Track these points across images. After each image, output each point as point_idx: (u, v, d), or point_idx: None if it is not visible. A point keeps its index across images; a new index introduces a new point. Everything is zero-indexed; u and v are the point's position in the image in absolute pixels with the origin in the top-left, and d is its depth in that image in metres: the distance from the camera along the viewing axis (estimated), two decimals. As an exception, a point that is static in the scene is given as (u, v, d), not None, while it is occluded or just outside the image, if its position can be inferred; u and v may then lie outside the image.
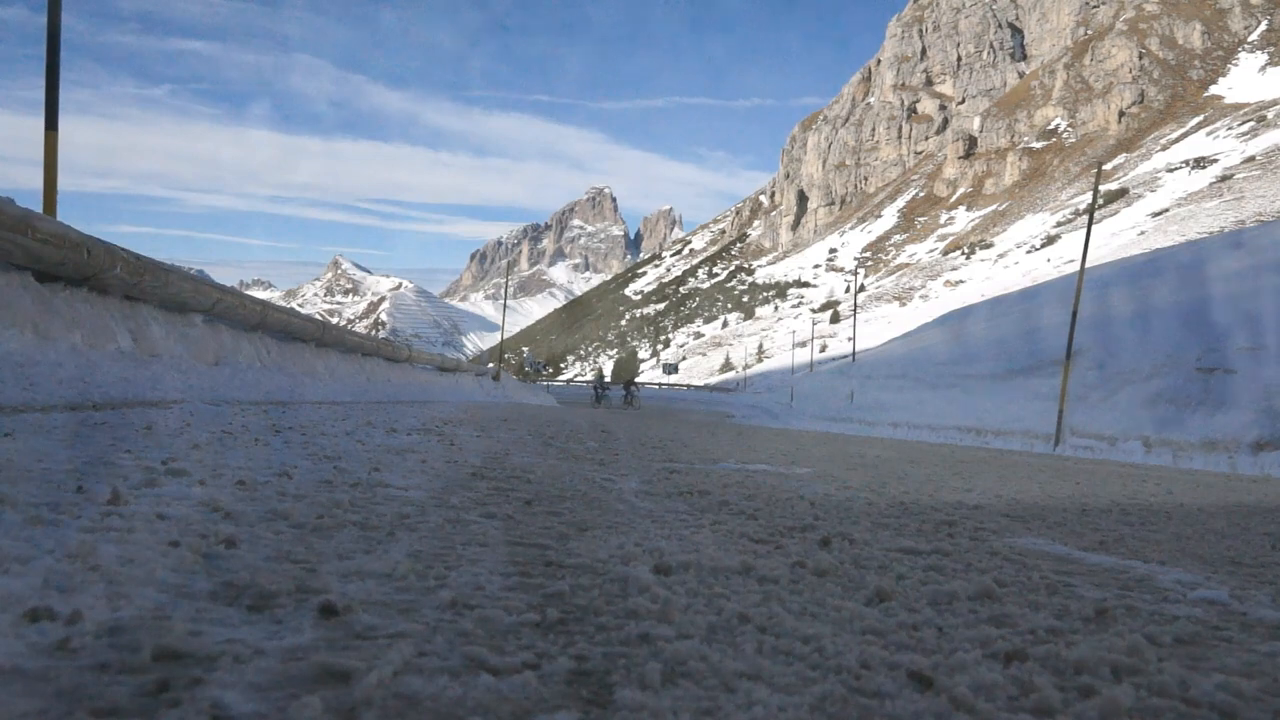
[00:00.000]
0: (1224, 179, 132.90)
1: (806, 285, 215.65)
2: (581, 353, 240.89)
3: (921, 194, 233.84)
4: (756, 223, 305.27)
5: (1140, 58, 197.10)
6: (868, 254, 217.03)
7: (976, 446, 12.36)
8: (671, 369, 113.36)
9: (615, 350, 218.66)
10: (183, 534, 1.58)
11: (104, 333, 5.50)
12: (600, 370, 45.39)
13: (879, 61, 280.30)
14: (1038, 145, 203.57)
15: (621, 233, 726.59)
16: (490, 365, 34.67)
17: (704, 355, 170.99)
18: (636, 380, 42.60)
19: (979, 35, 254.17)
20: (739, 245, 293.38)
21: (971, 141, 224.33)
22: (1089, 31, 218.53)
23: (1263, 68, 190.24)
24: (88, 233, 5.22)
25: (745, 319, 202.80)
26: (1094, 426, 11.59)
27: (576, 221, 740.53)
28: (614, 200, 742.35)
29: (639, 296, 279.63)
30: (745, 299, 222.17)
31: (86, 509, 1.69)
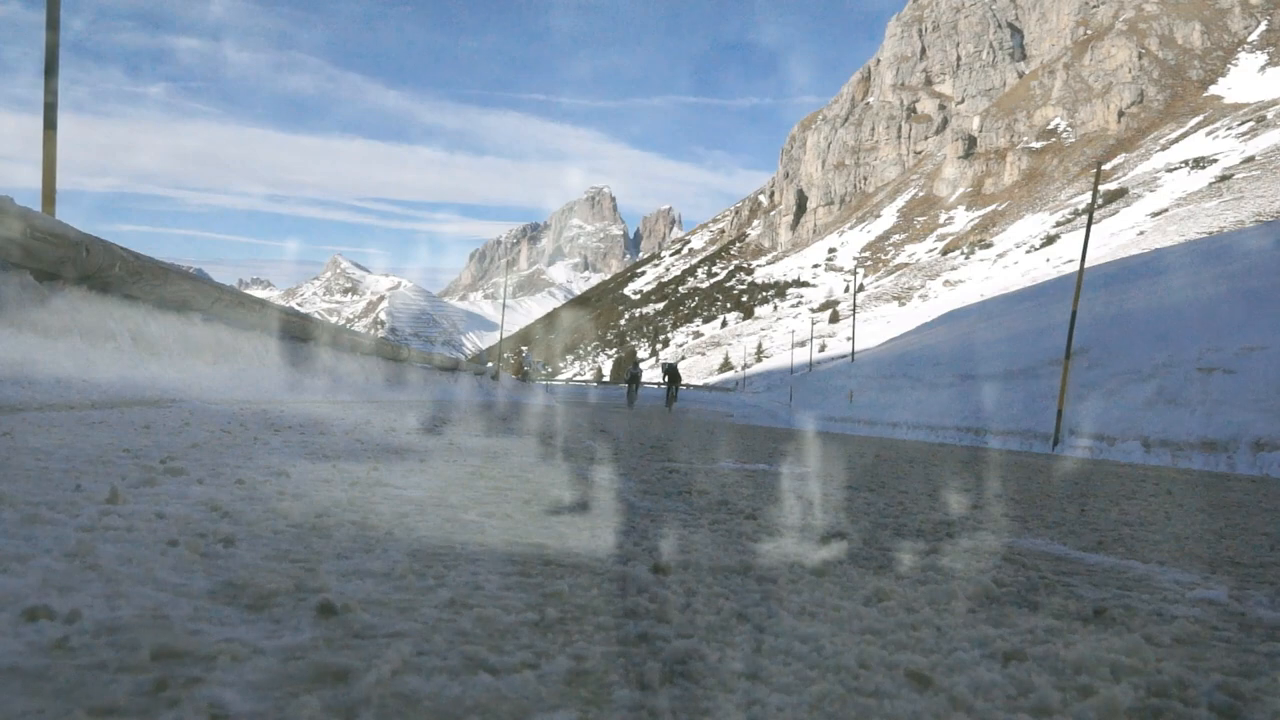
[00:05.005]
0: (1223, 179, 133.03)
1: (806, 285, 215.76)
2: (581, 352, 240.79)
3: (921, 194, 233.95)
4: (756, 222, 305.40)
5: (1140, 58, 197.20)
6: (867, 254, 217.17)
7: (976, 446, 12.37)
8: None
9: (615, 350, 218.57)
10: (181, 533, 1.58)
11: (103, 331, 5.50)
12: (636, 366, 33.33)
13: (878, 61, 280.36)
14: (1037, 145, 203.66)
15: (621, 232, 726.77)
16: (489, 364, 34.64)
17: (703, 355, 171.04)
18: (682, 380, 32.02)
19: (979, 35, 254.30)
20: (738, 245, 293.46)
21: (971, 141, 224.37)
22: (1089, 31, 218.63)
23: (1262, 68, 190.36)
24: (87, 231, 5.22)
25: (744, 318, 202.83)
26: (1093, 426, 11.59)
27: (576, 221, 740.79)
28: (613, 200, 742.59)
29: (638, 296, 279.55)
30: (744, 298, 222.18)
31: (85, 508, 1.69)
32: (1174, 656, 1.33)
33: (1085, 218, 13.50)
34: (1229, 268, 16.78)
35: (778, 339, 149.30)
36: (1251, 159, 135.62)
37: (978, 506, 3.48)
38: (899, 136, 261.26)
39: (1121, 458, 10.04)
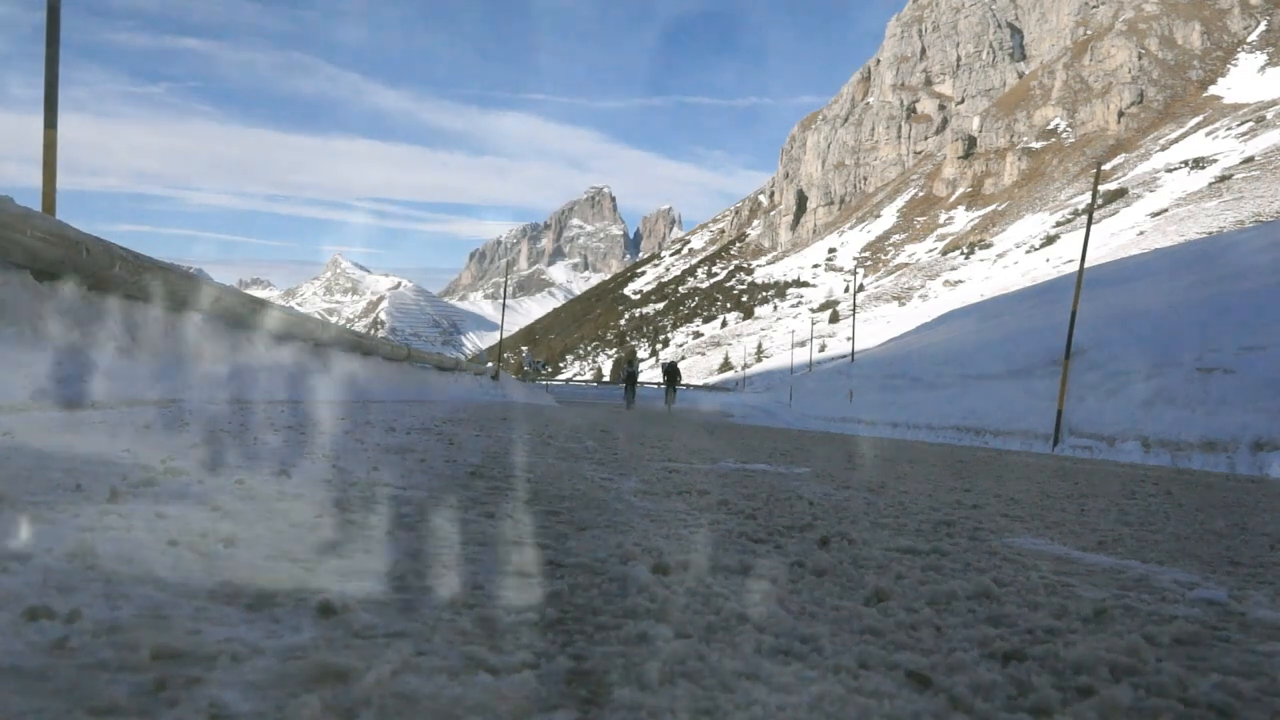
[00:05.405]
0: (1223, 179, 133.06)
1: (805, 285, 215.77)
2: (581, 352, 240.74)
3: (921, 194, 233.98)
4: (756, 222, 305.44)
5: (1140, 58, 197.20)
6: (867, 254, 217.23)
7: (975, 446, 12.36)
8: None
9: (615, 350, 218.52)
10: (181, 532, 1.58)
11: (102, 331, 5.50)
12: (633, 365, 30.34)
13: (878, 61, 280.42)
14: (1037, 145, 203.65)
15: (621, 232, 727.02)
16: (489, 364, 34.62)
17: (703, 355, 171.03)
18: (681, 379, 29.87)
19: (978, 35, 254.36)
20: (738, 245, 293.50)
21: (971, 141, 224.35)
22: (1088, 31, 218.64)
23: (1262, 68, 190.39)
24: (87, 231, 5.21)
25: (744, 319, 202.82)
26: (1093, 426, 11.59)
27: (575, 221, 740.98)
28: (613, 199, 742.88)
29: (638, 296, 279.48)
30: (744, 299, 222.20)
31: (85, 507, 1.69)
32: (1174, 656, 1.33)
33: (1085, 218, 13.51)
34: (1230, 267, 16.77)
35: (778, 339, 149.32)
36: (1251, 159, 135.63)
37: (977, 506, 3.48)
38: (899, 136, 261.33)
39: (1121, 458, 10.04)
